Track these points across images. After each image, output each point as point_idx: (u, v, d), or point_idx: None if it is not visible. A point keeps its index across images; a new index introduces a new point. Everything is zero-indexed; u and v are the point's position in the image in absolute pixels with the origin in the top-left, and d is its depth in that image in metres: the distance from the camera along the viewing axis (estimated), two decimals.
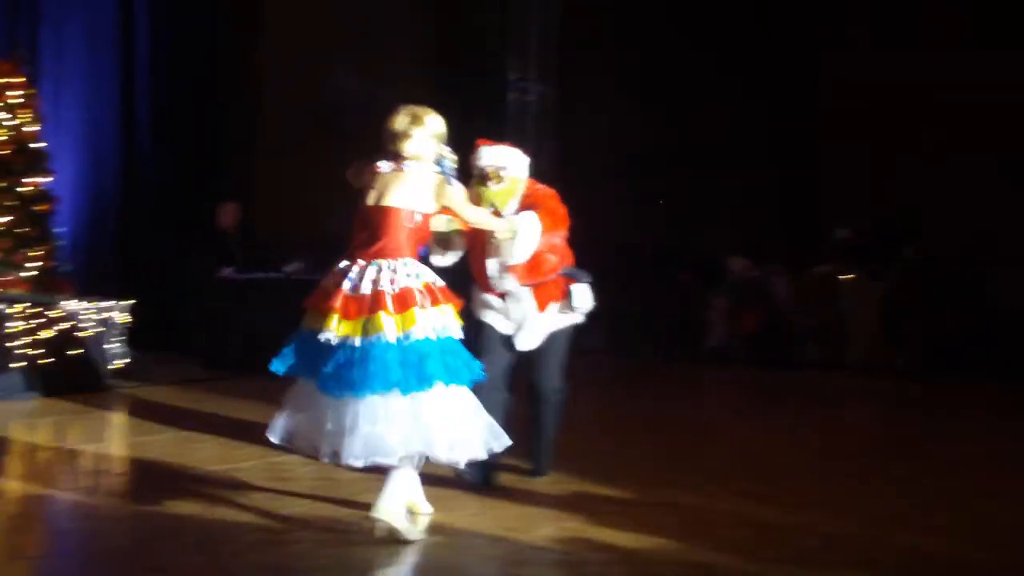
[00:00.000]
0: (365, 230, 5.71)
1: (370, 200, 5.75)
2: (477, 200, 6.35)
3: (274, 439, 5.72)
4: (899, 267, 12.42)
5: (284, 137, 12.74)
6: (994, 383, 11.47)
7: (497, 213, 6.43)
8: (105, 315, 9.95)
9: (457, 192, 5.89)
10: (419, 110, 5.81)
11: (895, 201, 13.14)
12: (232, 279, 11.37)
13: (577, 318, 6.80)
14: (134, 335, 10.22)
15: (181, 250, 11.93)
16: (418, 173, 5.75)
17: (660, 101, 13.63)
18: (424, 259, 5.94)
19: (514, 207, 6.47)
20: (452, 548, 5.62)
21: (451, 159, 5.90)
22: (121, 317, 10.07)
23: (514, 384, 6.80)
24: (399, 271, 5.61)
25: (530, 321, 6.69)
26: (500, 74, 13.17)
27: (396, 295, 5.55)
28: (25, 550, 5.52)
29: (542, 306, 6.69)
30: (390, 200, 5.70)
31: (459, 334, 5.71)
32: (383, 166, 5.78)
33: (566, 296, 6.71)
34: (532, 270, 6.56)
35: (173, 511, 6.09)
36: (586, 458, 7.53)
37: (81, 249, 12.33)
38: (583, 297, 6.74)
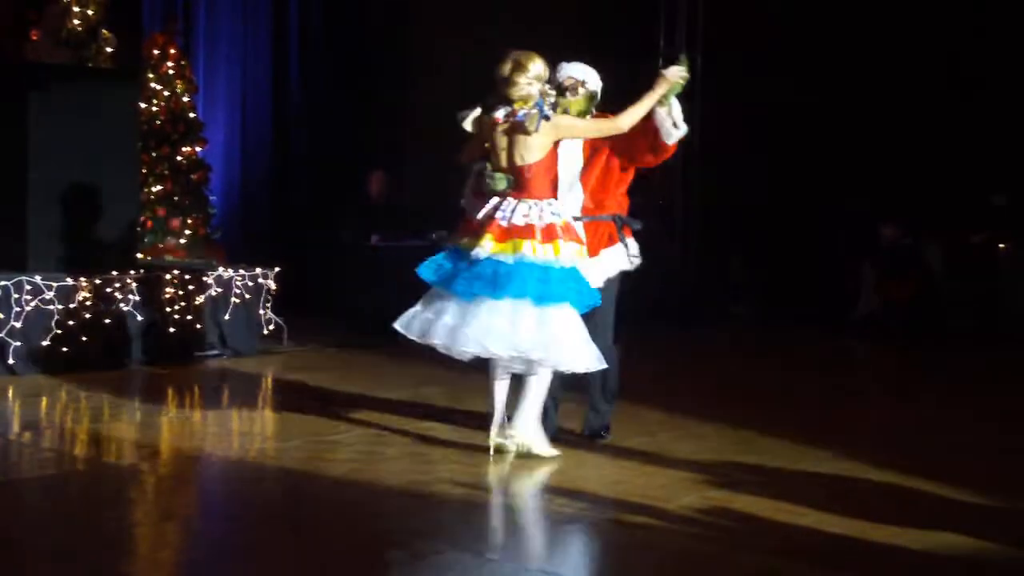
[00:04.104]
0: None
1: (502, 161, 6.40)
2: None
3: (398, 327, 6.49)
4: None
5: (434, 104, 12.77)
6: None
7: None
8: (255, 281, 10.11)
9: (569, 120, 6.48)
10: (522, 56, 6.35)
11: None
12: (379, 246, 11.47)
13: (625, 267, 6.83)
14: (284, 301, 10.37)
15: (330, 218, 12.09)
16: (530, 126, 6.29)
17: (806, 65, 13.37)
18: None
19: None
20: (594, 515, 5.62)
21: (549, 96, 6.39)
22: (271, 283, 10.22)
23: None
24: (544, 209, 6.33)
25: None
26: (649, 43, 13.19)
27: (544, 228, 6.28)
28: (175, 510, 5.65)
29: (593, 251, 6.72)
30: (519, 159, 6.34)
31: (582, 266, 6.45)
32: (500, 115, 6.36)
33: (618, 243, 6.78)
34: (601, 189, 6.73)
35: (319, 475, 6.18)
36: (727, 427, 7.47)
37: (232, 217, 12.57)
38: (635, 249, 6.84)
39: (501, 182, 6.41)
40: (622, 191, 6.88)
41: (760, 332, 12.72)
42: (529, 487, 6.16)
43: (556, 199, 6.45)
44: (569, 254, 6.36)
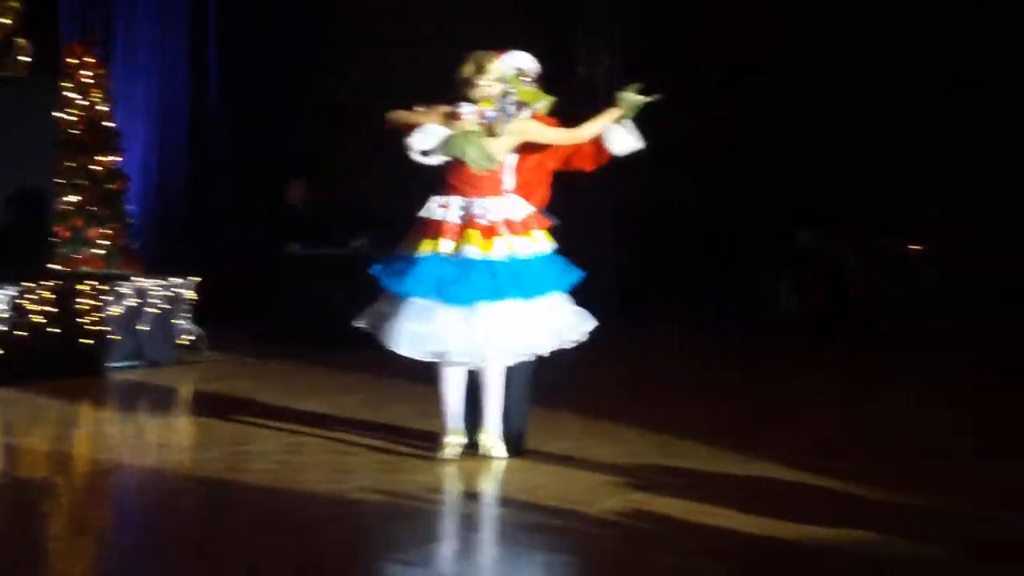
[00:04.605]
0: (471, 178, 6.43)
1: None
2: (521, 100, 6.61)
3: (400, 350, 6.41)
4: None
5: (355, 114, 12.74)
6: None
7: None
8: (173, 291, 10.02)
9: (537, 126, 6.56)
10: (483, 58, 6.44)
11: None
12: (299, 255, 11.40)
13: None
14: (201, 311, 10.27)
15: (249, 227, 12.00)
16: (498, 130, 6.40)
17: (724, 68, 13.47)
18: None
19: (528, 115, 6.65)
20: (515, 521, 5.61)
21: (511, 95, 6.45)
22: (188, 293, 10.13)
23: None
24: (514, 203, 6.51)
25: None
26: (571, 49, 13.24)
27: (521, 222, 6.46)
28: (90, 524, 5.56)
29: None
30: (493, 160, 6.42)
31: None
32: (466, 111, 6.41)
33: None
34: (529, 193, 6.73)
35: (238, 485, 6.12)
36: (649, 430, 7.47)
37: (150, 227, 12.43)
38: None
39: (474, 148, 6.34)
40: (545, 188, 6.88)
41: (680, 334, 12.72)
42: (449, 493, 6.13)
43: (515, 194, 6.58)
44: (545, 241, 6.52)
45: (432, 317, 6.37)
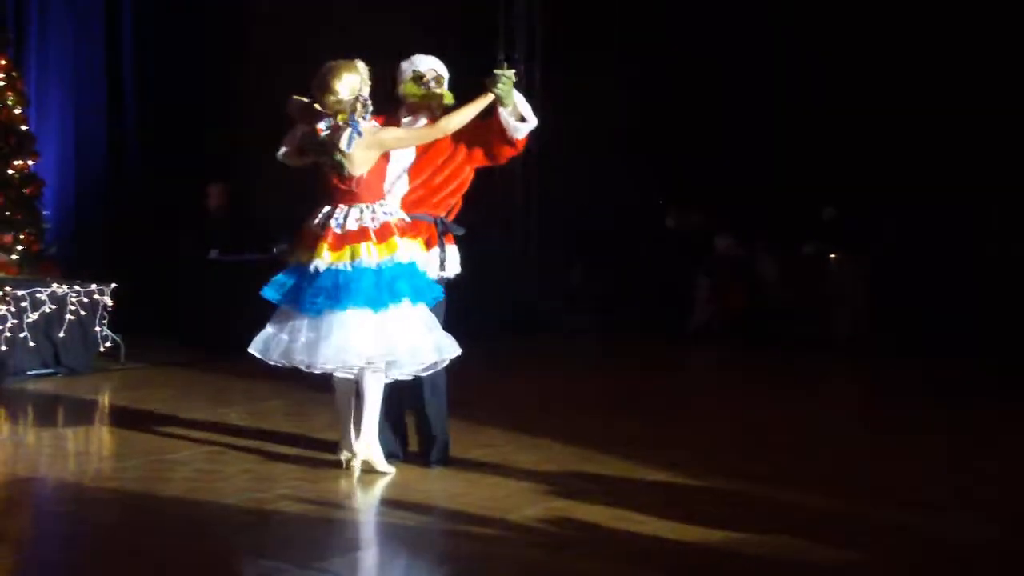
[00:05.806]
0: (338, 187, 6.39)
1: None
2: (420, 103, 6.66)
3: (254, 352, 6.43)
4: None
5: (272, 115, 12.65)
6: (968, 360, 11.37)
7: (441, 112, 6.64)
8: (91, 298, 9.93)
9: (392, 133, 6.49)
10: (329, 75, 6.32)
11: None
12: (219, 261, 11.32)
13: (442, 275, 6.69)
14: (120, 317, 10.19)
15: (167, 232, 11.90)
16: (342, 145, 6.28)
17: (644, 77, 13.57)
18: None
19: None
20: (437, 528, 5.63)
21: (368, 108, 6.33)
22: (106, 300, 10.04)
23: None
24: (376, 211, 6.37)
25: None
26: (488, 52, 13.23)
27: (378, 229, 6.33)
28: (8, 533, 5.51)
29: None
30: (348, 172, 6.35)
31: (421, 261, 6.52)
32: (322, 126, 6.29)
33: (434, 247, 6.68)
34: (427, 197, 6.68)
35: (158, 494, 6.08)
36: (568, 437, 7.51)
37: (66, 232, 12.29)
38: (454, 260, 6.76)
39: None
40: (452, 193, 6.76)
41: (597, 342, 12.78)
42: (371, 501, 6.15)
43: (385, 200, 6.47)
44: (407, 250, 6.39)
45: (287, 324, 6.42)
